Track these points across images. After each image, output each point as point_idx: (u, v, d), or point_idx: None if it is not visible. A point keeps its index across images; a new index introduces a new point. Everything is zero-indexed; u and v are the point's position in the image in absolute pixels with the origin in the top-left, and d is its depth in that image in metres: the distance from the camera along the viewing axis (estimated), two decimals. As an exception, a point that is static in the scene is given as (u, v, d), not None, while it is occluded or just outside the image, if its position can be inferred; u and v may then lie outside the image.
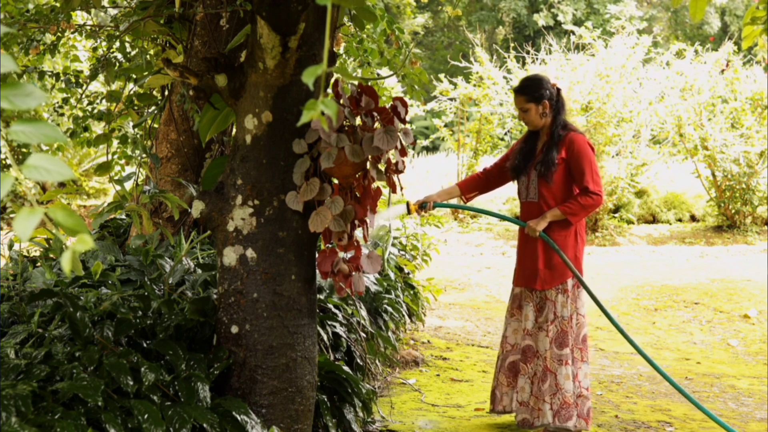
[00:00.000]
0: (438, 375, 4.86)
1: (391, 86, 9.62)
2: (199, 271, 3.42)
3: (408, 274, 6.04)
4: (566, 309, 3.63)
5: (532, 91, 3.67)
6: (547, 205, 3.64)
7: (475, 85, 13.47)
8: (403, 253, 6.35)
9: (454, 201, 3.97)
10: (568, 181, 3.65)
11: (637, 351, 3.57)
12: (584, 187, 3.58)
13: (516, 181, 3.80)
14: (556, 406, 3.57)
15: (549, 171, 3.61)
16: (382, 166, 2.78)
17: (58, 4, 4.33)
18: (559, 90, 3.71)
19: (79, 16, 6.35)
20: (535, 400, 3.63)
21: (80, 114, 5.04)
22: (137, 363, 2.46)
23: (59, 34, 4.50)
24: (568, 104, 3.93)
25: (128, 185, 3.90)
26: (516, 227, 4.17)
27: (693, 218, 13.26)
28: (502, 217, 3.84)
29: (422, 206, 3.65)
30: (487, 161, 14.63)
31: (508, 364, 3.72)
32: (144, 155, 4.07)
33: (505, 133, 13.80)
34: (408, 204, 3.63)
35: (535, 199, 3.69)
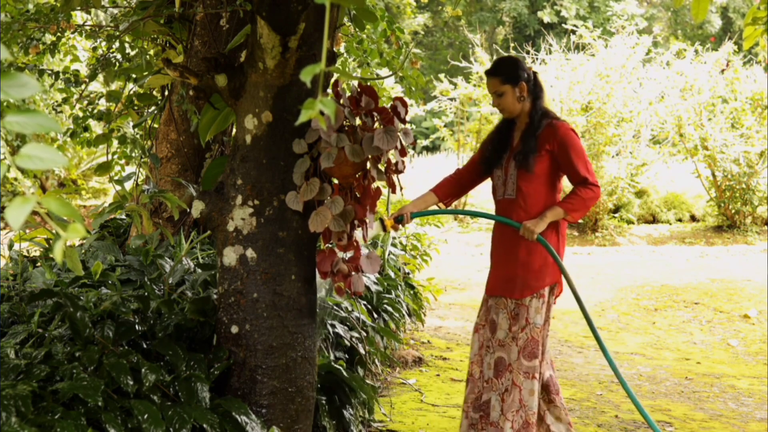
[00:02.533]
0: (438, 375, 4.86)
1: (391, 86, 9.62)
2: (199, 271, 3.42)
3: (408, 273, 6.04)
4: (540, 315, 3.21)
5: (507, 71, 3.25)
6: (525, 202, 3.23)
7: (475, 85, 13.48)
8: (403, 252, 6.35)
9: (433, 207, 3.58)
10: (551, 176, 3.24)
11: (610, 365, 3.19)
12: (582, 179, 3.16)
13: (491, 177, 3.41)
14: (517, 425, 3.17)
15: (529, 161, 3.19)
16: (382, 166, 2.78)
17: (57, 4, 4.33)
18: (536, 74, 3.31)
19: (79, 16, 6.35)
20: (503, 420, 3.20)
21: (80, 114, 5.04)
22: (137, 363, 2.46)
23: (59, 33, 4.50)
24: (546, 90, 3.48)
25: (128, 185, 3.90)
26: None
27: (693, 218, 13.26)
28: (493, 218, 3.37)
29: (398, 220, 3.25)
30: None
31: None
32: (144, 155, 4.07)
33: (505, 133, 13.78)
34: (382, 220, 3.25)
35: (512, 195, 3.26)
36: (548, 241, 3.20)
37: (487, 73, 3.31)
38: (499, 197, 3.35)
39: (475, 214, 3.59)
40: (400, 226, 3.29)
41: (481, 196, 13.47)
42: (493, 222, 3.46)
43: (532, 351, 3.19)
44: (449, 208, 3.52)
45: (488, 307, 3.33)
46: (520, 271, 3.22)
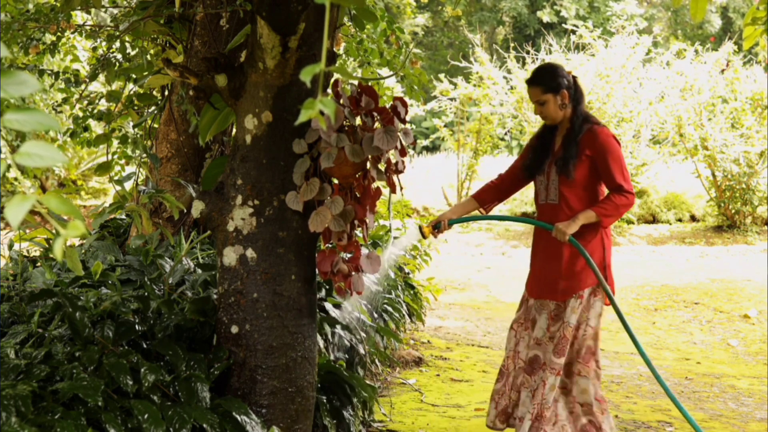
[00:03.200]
0: (438, 375, 4.86)
1: (392, 86, 9.63)
2: (199, 271, 3.42)
3: (408, 273, 6.04)
4: (574, 315, 3.24)
5: (548, 80, 3.26)
6: (568, 207, 3.25)
7: (475, 85, 13.49)
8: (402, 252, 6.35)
9: (473, 213, 3.60)
10: (592, 181, 3.27)
11: (649, 368, 3.22)
12: (617, 186, 3.18)
13: (533, 182, 3.44)
14: (533, 416, 3.23)
15: (569, 167, 3.22)
16: (382, 166, 2.78)
17: (58, 4, 4.33)
18: (575, 78, 3.32)
19: (79, 16, 6.35)
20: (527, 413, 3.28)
21: (80, 114, 5.04)
22: (137, 363, 2.46)
23: (59, 33, 4.50)
24: (585, 94, 3.47)
25: (128, 185, 3.90)
26: (521, 228, 3.76)
27: (693, 218, 13.27)
28: (527, 221, 3.42)
29: (436, 227, 3.34)
30: (488, 161, 14.66)
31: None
32: (144, 155, 4.07)
33: (505, 133, 13.84)
34: (421, 227, 3.34)
35: (555, 200, 3.29)
36: (593, 245, 3.25)
37: (528, 82, 3.33)
38: (541, 202, 3.38)
39: (511, 219, 3.61)
40: (438, 233, 3.35)
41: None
42: (531, 227, 3.49)
43: (562, 349, 3.24)
44: (489, 214, 3.55)
45: (529, 307, 3.39)
46: (563, 275, 3.27)
